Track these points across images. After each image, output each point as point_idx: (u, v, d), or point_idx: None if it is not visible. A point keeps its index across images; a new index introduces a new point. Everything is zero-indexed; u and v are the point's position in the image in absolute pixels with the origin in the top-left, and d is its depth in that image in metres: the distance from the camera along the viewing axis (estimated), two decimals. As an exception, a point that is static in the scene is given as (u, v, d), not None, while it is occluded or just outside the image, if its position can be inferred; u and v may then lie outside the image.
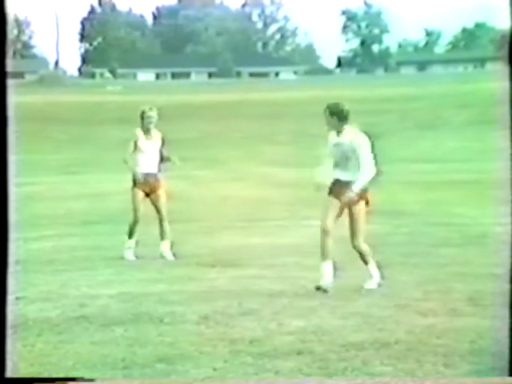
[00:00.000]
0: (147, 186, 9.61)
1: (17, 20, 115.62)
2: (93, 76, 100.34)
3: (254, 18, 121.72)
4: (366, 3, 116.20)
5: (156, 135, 9.70)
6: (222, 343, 5.49)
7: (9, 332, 5.47)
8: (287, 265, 8.75)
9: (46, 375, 4.90)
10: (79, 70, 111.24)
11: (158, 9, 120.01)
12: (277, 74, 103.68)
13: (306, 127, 36.14)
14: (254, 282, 7.72)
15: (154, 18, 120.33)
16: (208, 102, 51.12)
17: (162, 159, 9.74)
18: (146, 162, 9.60)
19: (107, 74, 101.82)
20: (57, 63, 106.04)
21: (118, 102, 50.54)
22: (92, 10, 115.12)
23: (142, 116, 9.63)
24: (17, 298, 6.95)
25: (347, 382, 4.77)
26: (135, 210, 9.66)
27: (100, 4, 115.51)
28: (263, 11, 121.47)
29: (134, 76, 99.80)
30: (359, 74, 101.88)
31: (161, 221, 9.75)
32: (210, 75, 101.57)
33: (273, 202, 16.68)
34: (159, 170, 9.77)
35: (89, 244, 11.01)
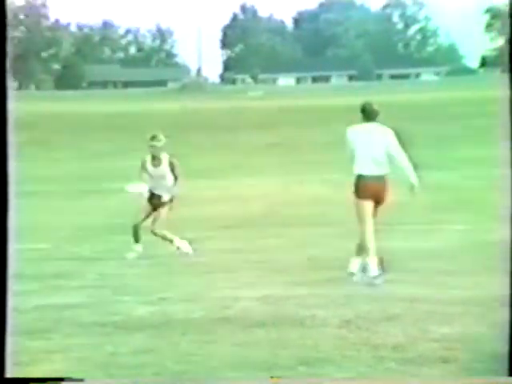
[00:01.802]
0: (152, 204, 10.47)
1: (159, 30, 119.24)
2: (233, 82, 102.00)
3: (395, 19, 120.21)
4: None
5: (164, 159, 10.44)
6: (365, 348, 5.44)
7: (152, 331, 5.62)
8: (429, 270, 8.58)
9: (191, 374, 5.01)
10: (221, 76, 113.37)
11: (299, 13, 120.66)
12: (417, 76, 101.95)
13: (447, 129, 35.34)
14: (396, 286, 7.61)
15: (295, 22, 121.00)
16: (348, 105, 50.83)
17: (176, 179, 10.52)
18: (152, 184, 10.49)
19: (248, 80, 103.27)
20: (199, 71, 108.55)
21: (258, 108, 51.15)
22: (234, 18, 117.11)
23: (148, 143, 10.45)
24: (160, 299, 7.16)
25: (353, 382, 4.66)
26: (139, 217, 10.48)
27: (242, 11, 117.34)
28: (404, 12, 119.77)
29: (275, 81, 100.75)
30: (504, 73, 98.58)
31: (152, 230, 10.53)
32: (351, 78, 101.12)
33: (413, 205, 16.37)
34: (169, 192, 10.46)
35: (231, 247, 11.18)
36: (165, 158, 10.45)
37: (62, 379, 4.79)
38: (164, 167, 10.45)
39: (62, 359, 5.35)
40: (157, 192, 10.46)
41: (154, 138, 10.42)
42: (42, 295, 7.45)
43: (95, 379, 4.95)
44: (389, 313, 6.42)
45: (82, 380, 4.81)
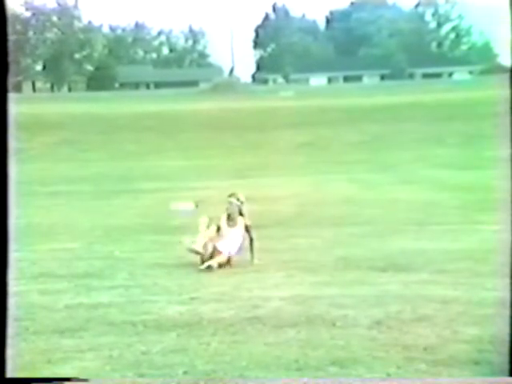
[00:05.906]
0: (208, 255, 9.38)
1: (192, 30, 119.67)
2: (265, 82, 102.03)
3: (427, 17, 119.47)
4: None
5: (240, 222, 9.67)
6: (395, 349, 5.41)
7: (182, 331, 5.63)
8: (460, 271, 8.51)
9: (220, 374, 5.02)
10: (253, 76, 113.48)
11: (331, 13, 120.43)
12: (450, 75, 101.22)
13: (478, 128, 35.08)
14: (427, 287, 7.56)
15: (327, 21, 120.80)
16: (379, 104, 50.69)
17: (252, 241, 9.65)
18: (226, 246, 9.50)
19: (280, 80, 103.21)
20: (231, 71, 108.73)
21: (290, 107, 51.12)
22: (266, 17, 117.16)
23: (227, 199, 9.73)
24: (191, 298, 7.18)
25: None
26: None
27: (274, 11, 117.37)
28: (437, 11, 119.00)
29: (307, 81, 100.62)
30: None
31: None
32: (382, 77, 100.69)
33: (444, 205, 16.29)
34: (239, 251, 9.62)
35: (261, 247, 11.15)
36: (240, 220, 9.76)
37: (67, 379, 4.81)
38: (239, 229, 9.71)
39: (93, 358, 5.39)
40: (220, 248, 9.46)
41: (232, 195, 9.88)
42: (73, 294, 7.51)
43: (100, 379, 4.97)
44: (420, 314, 6.38)
45: (86, 380, 4.83)
